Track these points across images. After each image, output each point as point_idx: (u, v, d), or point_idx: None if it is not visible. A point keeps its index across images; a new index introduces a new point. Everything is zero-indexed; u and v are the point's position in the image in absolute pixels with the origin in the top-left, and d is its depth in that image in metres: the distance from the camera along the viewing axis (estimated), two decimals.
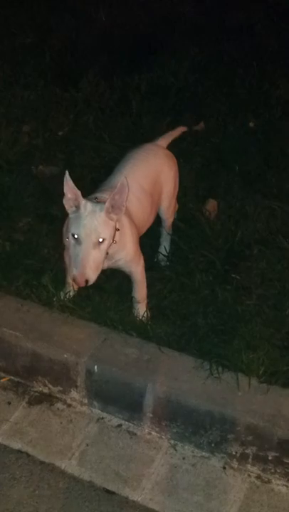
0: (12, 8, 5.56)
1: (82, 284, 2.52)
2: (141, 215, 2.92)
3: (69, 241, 2.58)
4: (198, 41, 5.08)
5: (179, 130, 3.35)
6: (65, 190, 2.58)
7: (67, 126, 4.21)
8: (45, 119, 4.25)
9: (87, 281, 2.52)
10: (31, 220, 3.46)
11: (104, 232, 2.54)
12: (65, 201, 2.60)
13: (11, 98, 4.45)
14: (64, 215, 2.73)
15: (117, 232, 2.63)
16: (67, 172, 2.58)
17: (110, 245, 2.60)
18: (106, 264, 2.69)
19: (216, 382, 2.60)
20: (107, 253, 2.60)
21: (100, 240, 2.53)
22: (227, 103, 4.47)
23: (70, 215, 2.60)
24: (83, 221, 2.52)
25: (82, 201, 2.56)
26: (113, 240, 2.60)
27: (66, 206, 2.61)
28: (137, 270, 2.86)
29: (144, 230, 3.01)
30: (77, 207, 2.56)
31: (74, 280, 2.55)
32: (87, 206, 2.55)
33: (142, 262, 2.87)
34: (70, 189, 2.57)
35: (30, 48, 5.05)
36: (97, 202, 2.61)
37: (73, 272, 2.53)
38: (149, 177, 3.01)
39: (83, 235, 2.51)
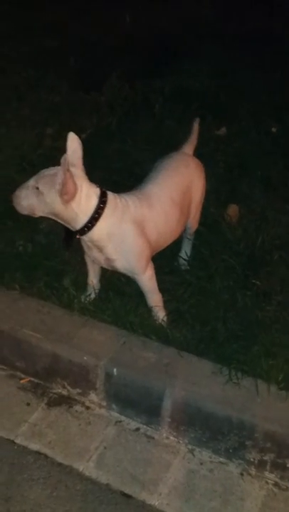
0: (37, 12, 5.60)
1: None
2: (164, 225, 2.88)
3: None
4: (222, 45, 5.09)
5: (196, 128, 3.25)
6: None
7: (89, 129, 4.23)
8: (68, 121, 4.26)
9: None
10: (53, 221, 3.47)
11: (41, 185, 2.65)
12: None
13: (36, 101, 4.49)
14: None
15: (109, 225, 2.68)
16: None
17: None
18: (98, 255, 2.76)
19: (235, 388, 2.60)
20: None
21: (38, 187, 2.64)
22: (249, 108, 4.46)
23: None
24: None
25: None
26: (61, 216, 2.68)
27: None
28: (142, 278, 2.83)
29: (168, 242, 2.98)
30: None
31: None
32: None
33: (148, 272, 2.83)
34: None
35: (54, 51, 5.09)
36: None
37: None
38: (181, 188, 2.98)
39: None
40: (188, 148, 3.20)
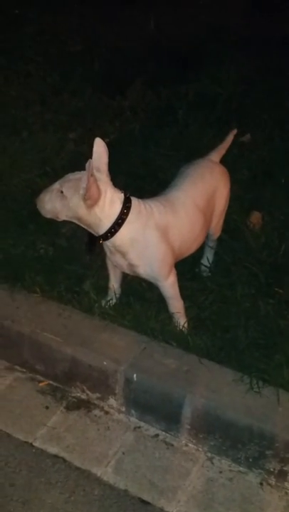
0: (62, 16, 5.62)
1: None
2: (188, 231, 2.87)
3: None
4: (246, 52, 5.07)
5: (230, 138, 3.25)
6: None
7: (113, 134, 4.22)
8: (91, 126, 4.27)
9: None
10: (74, 225, 3.47)
11: (65, 188, 2.66)
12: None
13: (59, 105, 4.50)
14: None
15: (134, 230, 2.68)
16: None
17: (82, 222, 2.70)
18: (120, 261, 2.75)
19: (256, 396, 2.57)
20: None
21: (63, 191, 2.66)
22: (274, 115, 4.43)
23: None
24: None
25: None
26: (84, 221, 2.69)
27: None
28: (164, 284, 2.81)
29: (191, 249, 2.96)
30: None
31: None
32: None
33: (171, 279, 2.81)
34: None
35: (79, 55, 5.11)
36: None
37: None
38: (205, 195, 2.97)
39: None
40: (216, 155, 3.18)
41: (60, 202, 2.67)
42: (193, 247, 2.96)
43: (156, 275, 2.79)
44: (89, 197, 2.58)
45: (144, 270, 2.77)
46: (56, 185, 2.69)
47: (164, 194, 2.90)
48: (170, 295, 2.86)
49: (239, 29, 5.52)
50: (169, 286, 2.83)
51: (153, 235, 2.73)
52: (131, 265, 2.77)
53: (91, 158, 2.63)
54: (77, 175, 2.67)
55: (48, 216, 2.76)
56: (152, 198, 2.86)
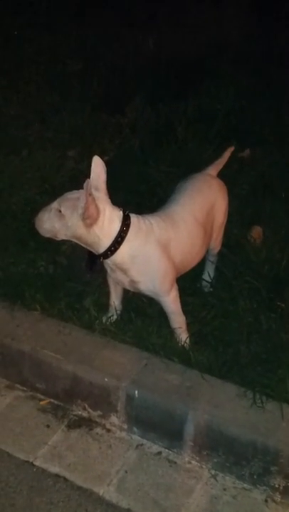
0: (60, 36, 5.66)
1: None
2: (189, 245, 2.86)
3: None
4: (246, 68, 5.09)
5: (227, 155, 3.28)
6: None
7: (112, 151, 4.23)
8: (90, 144, 4.27)
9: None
10: (74, 243, 3.45)
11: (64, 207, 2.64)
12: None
13: (59, 124, 4.51)
14: None
15: (135, 246, 2.67)
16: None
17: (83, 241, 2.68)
18: (120, 277, 2.72)
19: (260, 411, 2.54)
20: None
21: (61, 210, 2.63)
22: (273, 130, 4.43)
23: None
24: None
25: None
26: (84, 240, 2.67)
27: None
28: (166, 299, 2.80)
29: (192, 263, 2.95)
30: None
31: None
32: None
33: (172, 294, 2.79)
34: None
35: (78, 74, 5.13)
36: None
37: None
38: (204, 209, 2.96)
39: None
40: (213, 170, 3.18)
41: (58, 221, 2.66)
42: (194, 262, 2.94)
43: (158, 291, 2.77)
44: (88, 216, 2.57)
45: (145, 286, 2.75)
46: (54, 205, 2.67)
47: (162, 209, 2.89)
48: (172, 310, 2.83)
49: (238, 45, 5.54)
50: (171, 301, 2.81)
51: (154, 251, 2.71)
52: (132, 282, 2.75)
53: (89, 176, 2.61)
54: (75, 194, 2.65)
55: (47, 235, 2.74)
56: (151, 213, 2.85)
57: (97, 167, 2.67)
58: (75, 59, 5.35)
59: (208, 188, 3.03)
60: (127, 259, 2.68)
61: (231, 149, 3.30)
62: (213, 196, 3.02)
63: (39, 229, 2.73)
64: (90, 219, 2.58)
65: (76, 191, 2.67)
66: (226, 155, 3.27)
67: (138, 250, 2.68)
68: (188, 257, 2.87)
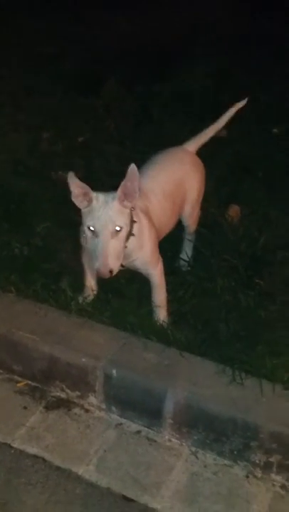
0: (34, 18, 5.58)
1: (107, 275, 2.46)
2: (161, 217, 2.86)
3: (86, 236, 2.52)
4: (222, 49, 5.05)
5: (209, 132, 3.24)
6: (72, 189, 2.54)
7: (87, 132, 4.19)
8: (65, 126, 4.23)
9: (111, 272, 2.46)
10: (50, 224, 3.42)
11: (119, 220, 2.49)
12: (74, 199, 2.55)
13: (32, 106, 4.45)
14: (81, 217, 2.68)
15: (134, 225, 2.58)
16: (70, 172, 2.53)
17: (128, 237, 2.54)
18: (124, 262, 2.63)
19: (239, 388, 2.51)
20: (126, 246, 2.54)
21: (117, 228, 2.48)
22: (250, 110, 4.39)
23: (83, 210, 2.55)
24: (98, 212, 2.48)
25: (93, 194, 2.52)
26: (131, 231, 2.54)
27: (77, 203, 2.56)
28: (155, 272, 2.79)
29: (164, 233, 2.94)
30: (89, 201, 2.52)
31: (98, 272, 2.47)
32: (99, 197, 2.51)
33: (160, 265, 2.80)
34: (77, 186, 2.53)
35: (52, 56, 5.07)
36: (108, 192, 2.54)
37: (96, 265, 2.47)
38: (172, 182, 2.95)
39: (99, 226, 2.47)
40: (191, 145, 3.17)
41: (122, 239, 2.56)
42: (164, 233, 2.94)
43: (149, 262, 2.75)
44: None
45: (141, 260, 2.73)
46: (107, 234, 2.51)
47: None
48: (159, 283, 2.82)
49: (215, 26, 5.50)
50: (160, 272, 2.81)
51: (143, 219, 2.69)
52: (129, 261, 2.70)
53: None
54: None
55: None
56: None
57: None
58: (49, 41, 5.27)
59: (178, 162, 3.02)
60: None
61: (215, 126, 3.27)
62: (183, 170, 3.01)
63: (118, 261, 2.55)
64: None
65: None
66: (208, 131, 3.24)
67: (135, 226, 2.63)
68: (161, 227, 2.86)
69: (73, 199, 2.56)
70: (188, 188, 3.02)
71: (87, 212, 2.52)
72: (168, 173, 2.95)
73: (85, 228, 2.52)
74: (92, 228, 2.49)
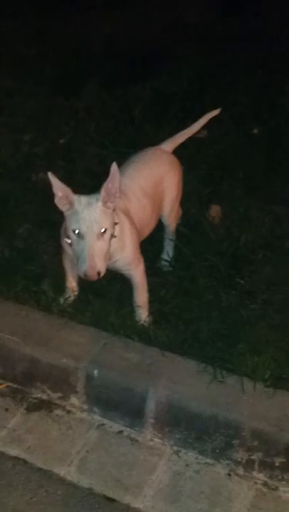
0: (13, 21, 5.57)
1: (95, 277, 2.45)
2: (142, 216, 2.86)
3: (71, 239, 2.51)
4: (202, 49, 5.06)
5: (185, 133, 3.26)
6: (54, 190, 2.53)
7: (68, 134, 4.18)
8: (46, 127, 4.22)
9: (99, 274, 2.45)
10: (31, 226, 3.41)
11: (104, 222, 2.48)
12: (57, 201, 2.54)
13: (13, 108, 4.44)
14: (63, 219, 2.68)
15: (116, 227, 2.57)
16: (49, 173, 2.53)
17: (111, 238, 2.53)
18: (111, 265, 2.63)
19: (220, 386, 2.52)
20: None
21: (102, 229, 2.47)
22: (231, 111, 4.41)
23: (66, 213, 2.54)
24: (81, 214, 2.47)
25: (74, 196, 2.51)
26: (113, 234, 2.54)
27: (60, 206, 2.55)
28: (137, 273, 2.79)
29: (145, 233, 2.94)
30: (71, 203, 2.51)
31: (85, 276, 2.45)
32: (81, 200, 2.51)
33: (141, 265, 2.80)
34: (59, 188, 2.52)
35: (32, 58, 5.05)
36: (90, 194, 2.54)
37: (82, 268, 2.45)
38: (151, 181, 2.96)
39: (85, 228, 2.45)
40: (168, 145, 3.18)
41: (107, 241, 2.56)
42: (146, 233, 2.94)
43: (131, 262, 2.75)
44: None
45: (123, 261, 2.72)
46: (92, 236, 2.50)
47: None
48: (141, 282, 2.82)
49: (195, 26, 5.51)
50: (141, 272, 2.81)
51: (124, 220, 2.69)
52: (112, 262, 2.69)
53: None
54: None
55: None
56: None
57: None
58: (29, 44, 5.26)
59: (156, 162, 3.03)
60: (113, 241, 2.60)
61: (192, 129, 3.29)
62: (161, 170, 3.02)
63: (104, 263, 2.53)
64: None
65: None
66: (185, 132, 3.26)
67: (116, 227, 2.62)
68: (142, 227, 2.86)
69: (56, 202, 2.54)
70: (167, 187, 3.03)
71: (71, 215, 2.51)
72: (146, 172, 2.96)
73: (70, 232, 2.51)
74: (77, 231, 2.47)
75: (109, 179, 2.51)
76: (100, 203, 2.49)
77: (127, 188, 2.80)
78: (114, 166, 2.52)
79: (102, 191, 2.50)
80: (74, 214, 2.49)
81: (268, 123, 4.30)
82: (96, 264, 2.44)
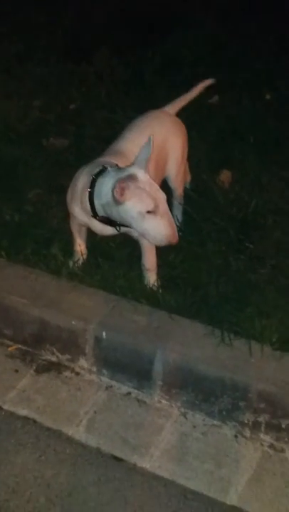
0: None
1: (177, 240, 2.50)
2: None
3: (136, 221, 2.46)
4: (214, 15, 5.00)
5: (188, 96, 3.25)
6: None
7: (78, 99, 4.17)
8: (56, 93, 4.20)
9: None
10: (41, 191, 3.41)
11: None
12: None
13: (24, 73, 4.42)
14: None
15: None
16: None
17: None
18: (123, 229, 2.64)
19: (228, 349, 2.52)
20: None
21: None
22: (242, 76, 4.38)
23: (127, 202, 2.46)
24: (150, 192, 2.44)
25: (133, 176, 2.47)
26: None
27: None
28: None
29: None
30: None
31: (170, 244, 2.50)
32: (140, 176, 2.47)
33: None
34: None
35: (43, 24, 5.01)
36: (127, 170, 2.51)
37: (168, 238, 2.47)
38: (154, 143, 2.93)
39: (160, 201, 2.44)
40: (172, 107, 3.17)
41: None
42: None
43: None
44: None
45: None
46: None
47: (112, 146, 2.88)
48: (149, 245, 2.78)
49: None
50: None
51: None
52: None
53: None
54: None
55: None
56: (105, 152, 2.84)
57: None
58: (40, 9, 5.22)
59: (158, 124, 3.00)
60: None
61: (193, 93, 3.29)
62: (164, 132, 2.98)
63: None
64: None
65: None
66: (186, 97, 3.25)
67: None
68: None
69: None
70: (170, 149, 3.00)
71: (135, 198, 2.44)
72: (147, 135, 2.93)
73: (137, 215, 2.45)
74: (151, 208, 2.44)
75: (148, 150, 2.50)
76: (148, 175, 2.49)
77: (128, 150, 2.79)
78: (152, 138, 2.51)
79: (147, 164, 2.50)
80: (138, 195, 2.44)
81: (280, 89, 4.26)
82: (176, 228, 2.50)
